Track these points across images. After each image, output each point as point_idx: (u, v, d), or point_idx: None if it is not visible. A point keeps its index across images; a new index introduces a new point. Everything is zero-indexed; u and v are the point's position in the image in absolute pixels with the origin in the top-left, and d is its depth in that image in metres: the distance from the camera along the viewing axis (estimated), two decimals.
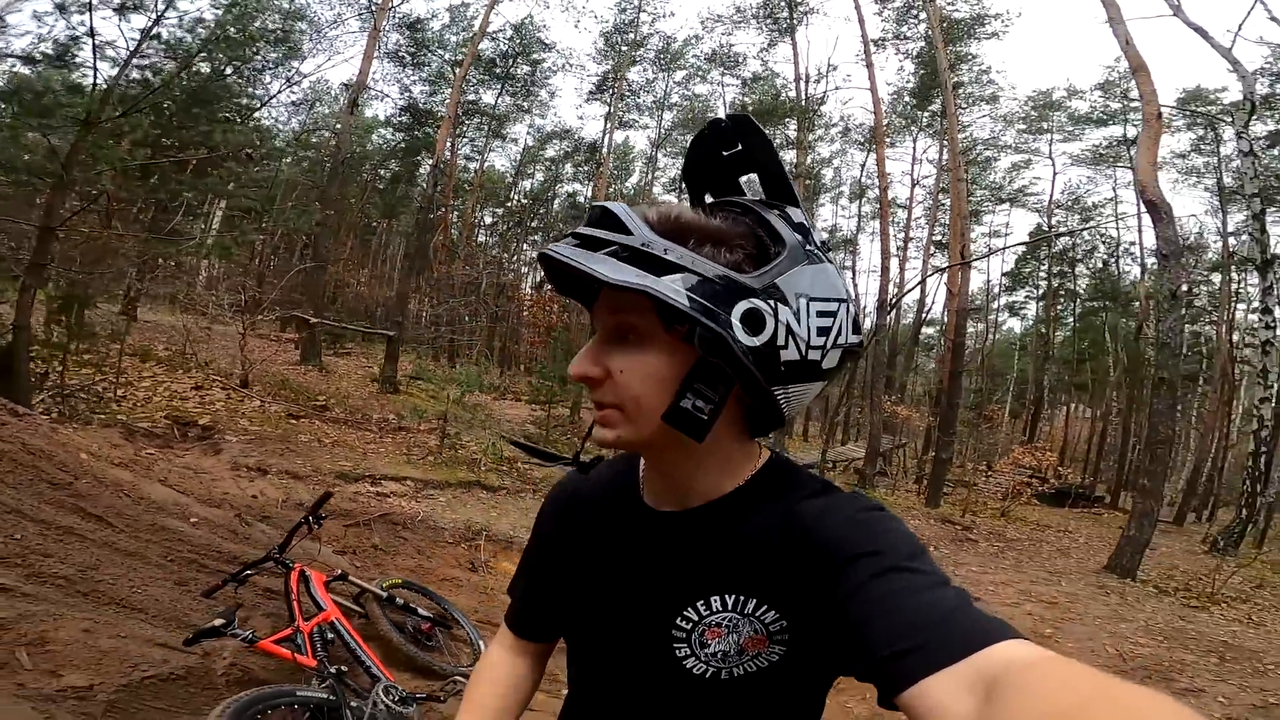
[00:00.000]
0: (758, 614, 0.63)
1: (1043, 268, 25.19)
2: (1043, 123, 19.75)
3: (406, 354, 15.85)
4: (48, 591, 2.32)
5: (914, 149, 22.01)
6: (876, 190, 16.52)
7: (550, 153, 24.79)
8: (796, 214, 0.65)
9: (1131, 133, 17.68)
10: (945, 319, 19.49)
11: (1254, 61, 16.12)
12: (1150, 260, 18.41)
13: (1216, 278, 20.82)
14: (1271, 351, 10.68)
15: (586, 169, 23.89)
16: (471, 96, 19.79)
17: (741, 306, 0.58)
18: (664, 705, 0.69)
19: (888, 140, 17.31)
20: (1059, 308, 25.42)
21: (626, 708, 0.73)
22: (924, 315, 25.76)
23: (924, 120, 19.45)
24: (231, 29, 8.21)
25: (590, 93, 20.03)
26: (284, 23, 14.90)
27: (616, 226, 0.59)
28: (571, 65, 24.20)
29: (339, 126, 13.75)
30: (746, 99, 18.79)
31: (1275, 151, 15.96)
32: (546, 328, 19.83)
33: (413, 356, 16.61)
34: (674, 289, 0.56)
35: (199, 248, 8.22)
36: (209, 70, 8.27)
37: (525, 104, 21.33)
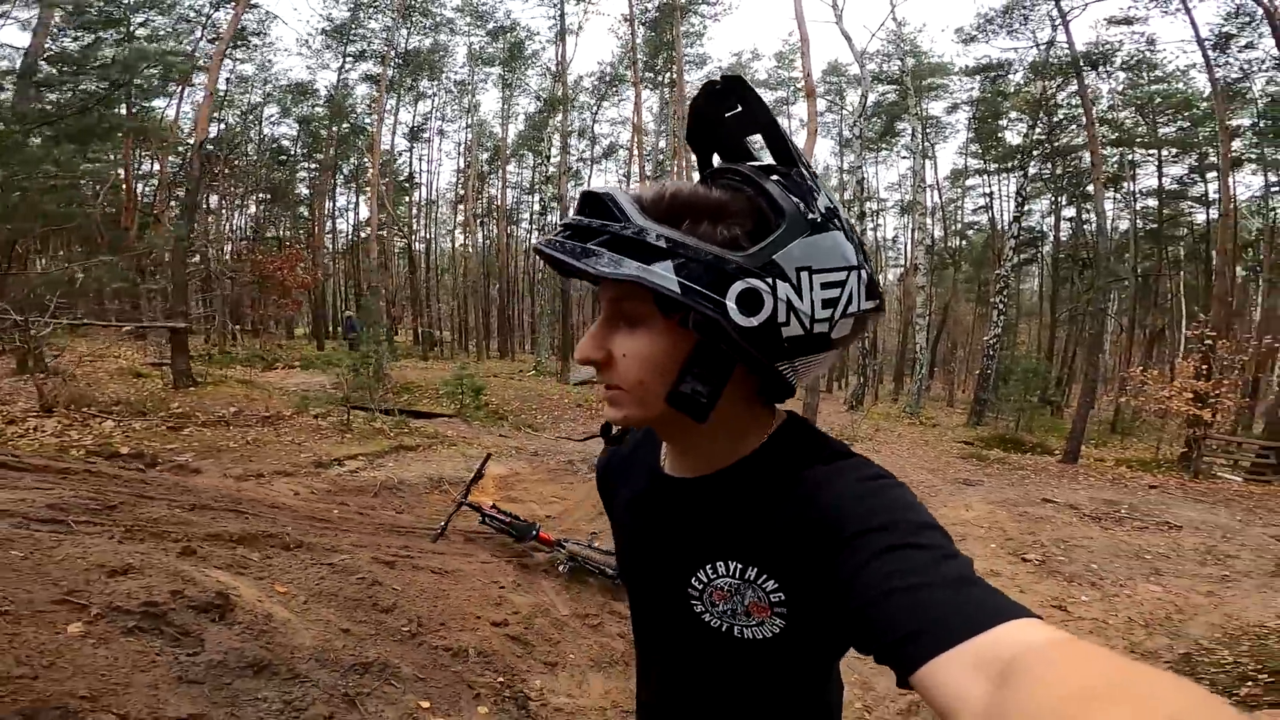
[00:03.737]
0: (759, 582, 0.66)
1: None
2: None
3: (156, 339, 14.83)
4: (419, 575, 4.40)
5: (635, 98, 26.28)
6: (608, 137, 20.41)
7: (256, 97, 22.79)
8: (800, 177, 0.64)
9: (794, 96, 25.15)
10: None
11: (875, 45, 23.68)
12: None
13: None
14: None
15: (296, 111, 22.73)
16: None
17: (737, 288, 0.58)
18: (690, 652, 0.76)
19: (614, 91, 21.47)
20: None
21: (663, 652, 0.82)
22: None
23: (650, 77, 23.61)
24: None
25: (326, 44, 19.34)
26: None
27: (606, 213, 0.60)
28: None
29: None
30: (491, 49, 20.53)
31: (875, 119, 23.66)
32: (298, 286, 19.43)
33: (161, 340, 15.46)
34: (665, 276, 0.57)
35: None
36: None
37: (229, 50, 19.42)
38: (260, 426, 9.13)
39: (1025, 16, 17.01)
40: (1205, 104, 18.39)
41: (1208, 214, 22.67)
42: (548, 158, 19.19)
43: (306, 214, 26.93)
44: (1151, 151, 22.60)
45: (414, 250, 26.72)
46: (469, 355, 23.06)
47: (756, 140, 0.68)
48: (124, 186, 18.10)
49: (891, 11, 18.25)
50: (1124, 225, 24.66)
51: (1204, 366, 12.32)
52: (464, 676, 2.88)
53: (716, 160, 0.70)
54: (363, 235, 26.33)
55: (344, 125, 21.71)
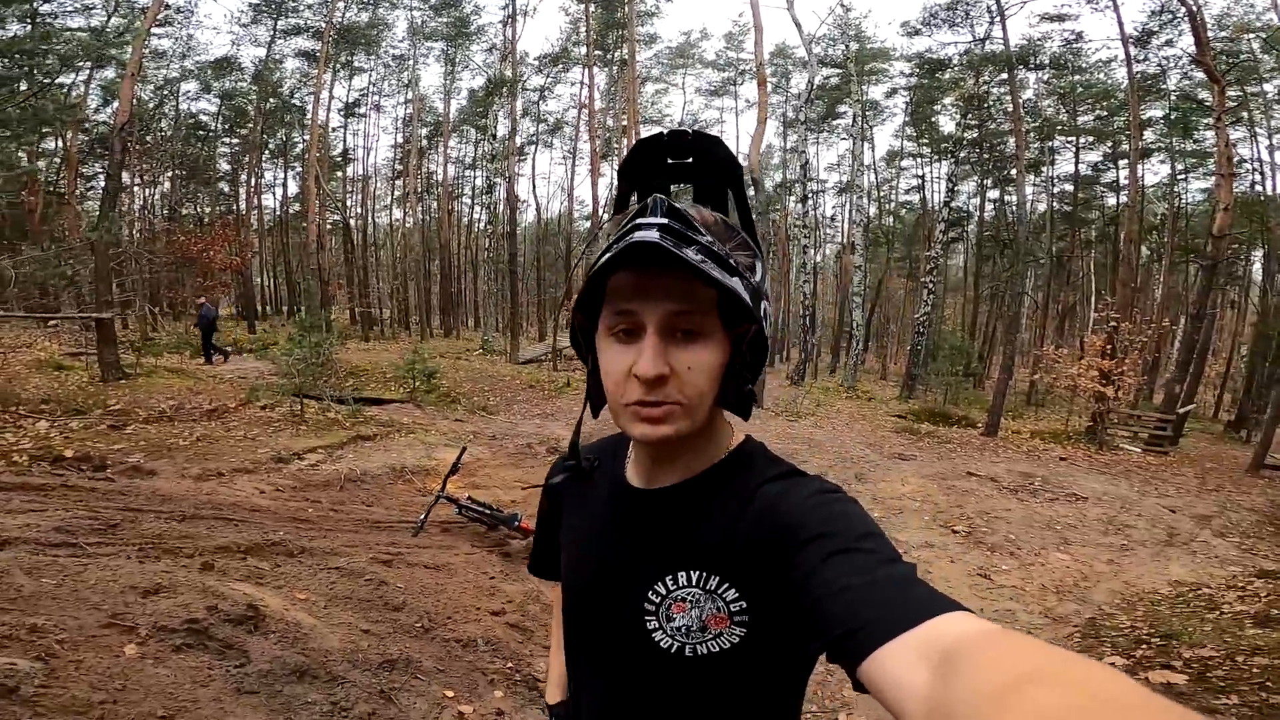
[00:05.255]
0: (720, 591, 0.68)
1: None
2: (681, 60, 25.98)
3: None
4: (415, 572, 4.62)
5: (586, 76, 26.20)
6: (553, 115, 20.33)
7: (172, 72, 21.44)
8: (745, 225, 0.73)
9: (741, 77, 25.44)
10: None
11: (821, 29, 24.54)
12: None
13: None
14: (808, 242, 18.15)
15: (218, 86, 21.59)
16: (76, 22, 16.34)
17: (764, 306, 0.70)
18: (633, 676, 0.75)
19: (561, 65, 21.37)
20: None
21: (603, 676, 0.80)
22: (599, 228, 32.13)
23: (599, 56, 23.57)
24: None
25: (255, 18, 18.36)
26: None
27: (690, 225, 0.64)
28: None
29: None
30: (433, 22, 19.99)
31: (818, 102, 24.46)
32: (224, 268, 18.75)
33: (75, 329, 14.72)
34: (742, 292, 0.64)
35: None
36: None
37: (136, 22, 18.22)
38: (207, 421, 8.97)
39: (967, 12, 17.91)
40: (1121, 95, 19.79)
41: (1117, 198, 24.53)
42: (493, 135, 19.02)
43: (227, 190, 25.75)
44: (1070, 139, 24.20)
45: (350, 227, 25.96)
46: (410, 334, 22.72)
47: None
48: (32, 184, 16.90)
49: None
50: (1041, 207, 26.42)
51: (1108, 346, 13.57)
52: (477, 665, 3.19)
53: (635, 196, 0.75)
54: (291, 211, 25.38)
55: (272, 101, 20.78)
